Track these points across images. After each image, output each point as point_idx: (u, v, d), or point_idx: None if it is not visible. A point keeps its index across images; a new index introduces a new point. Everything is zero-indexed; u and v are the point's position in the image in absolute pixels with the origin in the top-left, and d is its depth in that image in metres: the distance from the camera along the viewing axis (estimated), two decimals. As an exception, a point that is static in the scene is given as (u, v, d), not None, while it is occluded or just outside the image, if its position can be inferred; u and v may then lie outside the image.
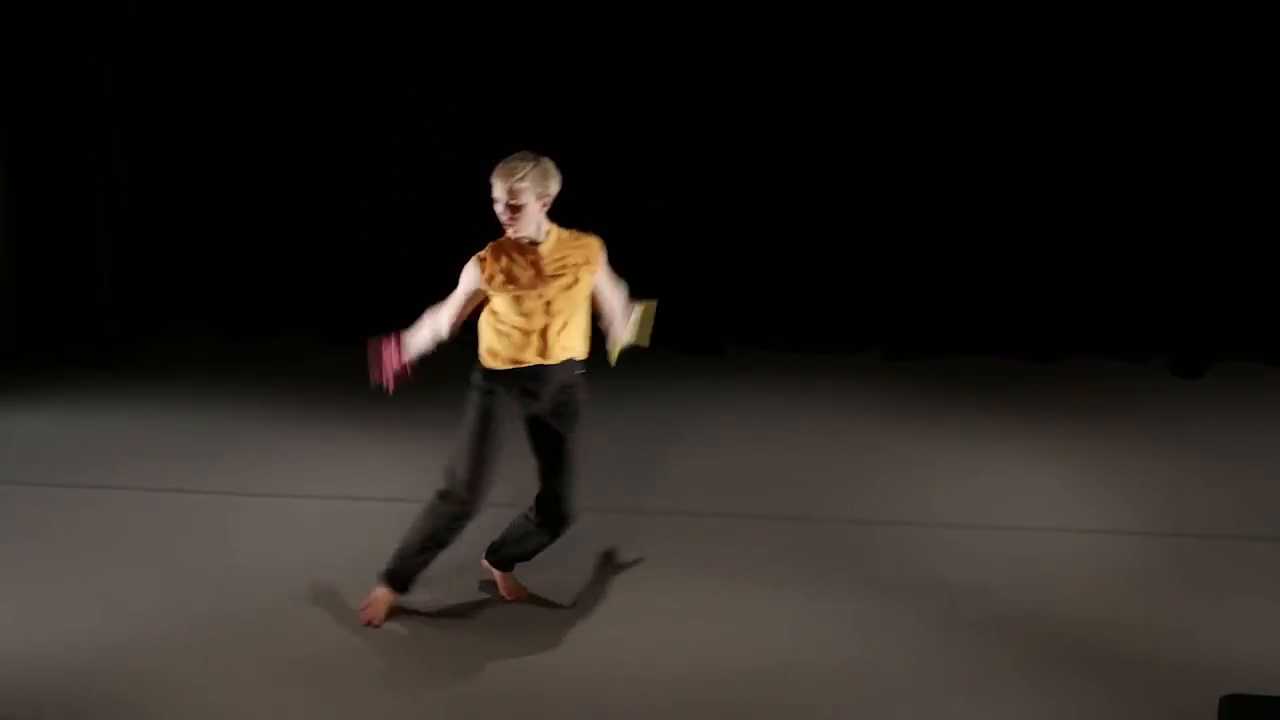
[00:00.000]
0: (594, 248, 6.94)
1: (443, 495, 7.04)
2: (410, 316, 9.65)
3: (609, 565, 7.62)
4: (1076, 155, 9.72)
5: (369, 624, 7.12)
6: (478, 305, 6.96)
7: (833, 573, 7.55)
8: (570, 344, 6.96)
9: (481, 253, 6.86)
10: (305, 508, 8.24)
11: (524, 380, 6.92)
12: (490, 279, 6.84)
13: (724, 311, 10.24)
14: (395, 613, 7.14)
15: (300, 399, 9.50)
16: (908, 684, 6.74)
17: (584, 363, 7.03)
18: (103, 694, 6.56)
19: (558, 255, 6.87)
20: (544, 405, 7.00)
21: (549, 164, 6.79)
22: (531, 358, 6.90)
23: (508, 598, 7.38)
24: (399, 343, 6.95)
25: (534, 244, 6.84)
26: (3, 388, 9.73)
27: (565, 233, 6.91)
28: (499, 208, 6.79)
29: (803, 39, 9.80)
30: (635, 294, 7.10)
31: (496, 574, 7.42)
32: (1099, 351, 10.00)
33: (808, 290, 10.14)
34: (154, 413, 9.39)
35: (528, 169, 6.72)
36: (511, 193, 6.73)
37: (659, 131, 9.96)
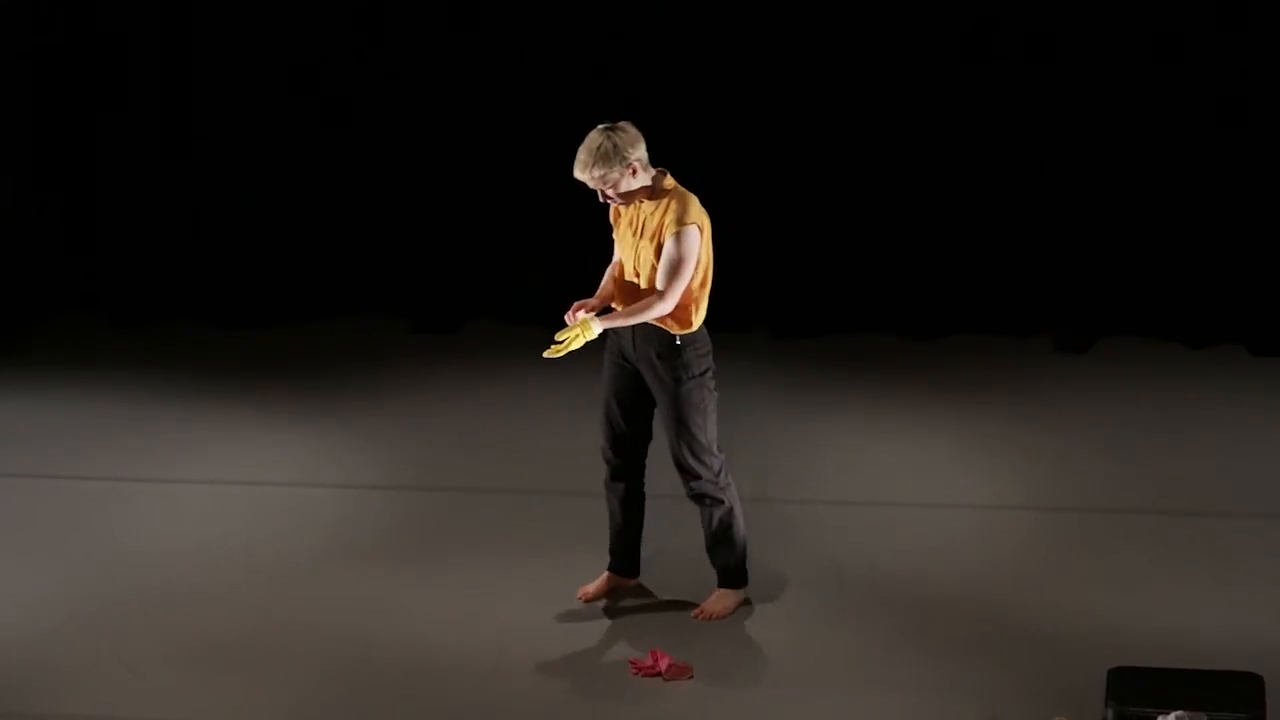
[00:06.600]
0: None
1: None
2: (308, 297, 9.58)
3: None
4: (959, 134, 9.75)
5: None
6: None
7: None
8: None
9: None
10: (197, 493, 8.19)
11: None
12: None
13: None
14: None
15: (190, 384, 9.37)
16: (798, 661, 6.80)
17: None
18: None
19: None
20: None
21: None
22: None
23: None
24: None
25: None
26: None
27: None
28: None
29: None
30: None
31: None
32: (984, 328, 10.05)
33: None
34: (40, 399, 9.25)
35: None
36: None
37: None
